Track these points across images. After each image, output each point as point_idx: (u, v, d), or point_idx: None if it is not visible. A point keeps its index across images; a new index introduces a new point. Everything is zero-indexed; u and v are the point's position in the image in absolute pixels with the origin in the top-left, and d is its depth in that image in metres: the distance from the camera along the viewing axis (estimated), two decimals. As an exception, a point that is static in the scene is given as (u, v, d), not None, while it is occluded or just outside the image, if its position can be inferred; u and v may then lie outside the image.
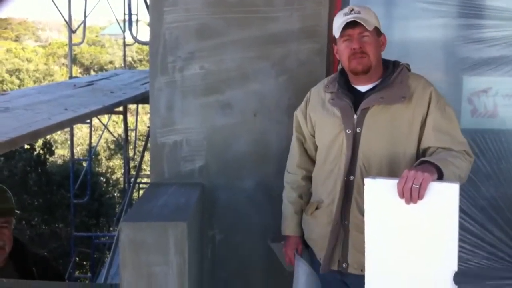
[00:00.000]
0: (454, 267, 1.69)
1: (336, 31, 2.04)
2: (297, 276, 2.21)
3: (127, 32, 7.21)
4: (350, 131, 2.01)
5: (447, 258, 1.70)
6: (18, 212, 2.37)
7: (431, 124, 1.96)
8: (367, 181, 1.77)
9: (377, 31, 2.04)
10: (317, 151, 2.19)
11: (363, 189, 1.94)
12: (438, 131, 1.95)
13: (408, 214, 1.70)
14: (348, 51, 2.00)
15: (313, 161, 2.24)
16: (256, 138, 2.65)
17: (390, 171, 1.96)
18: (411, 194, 1.67)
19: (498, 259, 2.87)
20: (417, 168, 1.72)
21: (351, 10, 2.00)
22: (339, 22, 2.02)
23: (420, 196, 1.67)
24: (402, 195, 1.68)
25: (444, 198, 1.68)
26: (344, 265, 2.05)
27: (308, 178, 2.26)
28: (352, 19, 1.97)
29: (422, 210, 1.68)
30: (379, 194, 1.75)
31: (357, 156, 2.01)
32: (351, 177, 2.02)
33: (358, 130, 2.00)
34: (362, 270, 1.98)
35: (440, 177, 1.74)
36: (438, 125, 1.96)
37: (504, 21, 2.76)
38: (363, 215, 1.96)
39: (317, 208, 2.15)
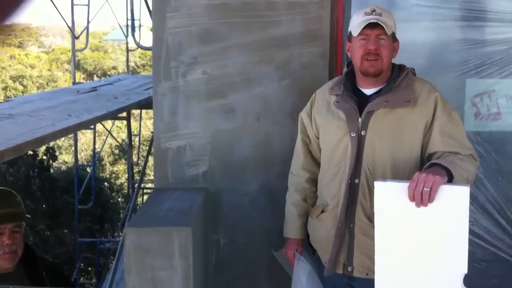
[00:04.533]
0: (464, 270, 1.69)
1: (355, 29, 2.02)
2: (298, 275, 2.20)
3: (130, 38, 7.23)
4: (354, 134, 2.01)
5: (457, 261, 1.69)
6: (29, 216, 2.38)
7: (438, 129, 1.96)
8: (377, 184, 1.76)
9: (393, 36, 2.05)
10: (321, 154, 2.19)
11: (369, 192, 1.95)
12: (445, 136, 1.95)
13: (418, 217, 1.70)
14: (363, 51, 2.00)
15: (317, 163, 2.24)
16: (259, 142, 2.65)
17: (394, 174, 1.96)
18: (422, 197, 1.67)
19: (500, 260, 2.87)
20: (427, 171, 1.72)
21: (373, 11, 2.00)
22: (359, 20, 2.01)
23: (430, 199, 1.67)
24: (412, 198, 1.68)
25: (454, 201, 1.68)
26: (349, 269, 2.05)
27: (312, 181, 2.26)
28: (375, 20, 1.96)
29: (432, 213, 1.68)
30: (389, 197, 1.75)
31: (361, 159, 2.01)
32: (356, 180, 2.02)
33: (362, 133, 2.00)
34: (368, 273, 1.98)
35: (450, 180, 1.74)
36: (445, 129, 1.96)
37: (507, 23, 2.76)
38: (368, 218, 1.97)
39: (322, 211, 2.15)
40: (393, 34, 2.04)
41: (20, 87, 19.29)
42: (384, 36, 1.99)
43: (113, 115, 4.02)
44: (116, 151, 14.07)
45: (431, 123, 1.98)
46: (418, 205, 1.69)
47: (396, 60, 2.11)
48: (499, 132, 2.85)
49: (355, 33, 2.02)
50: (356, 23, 2.02)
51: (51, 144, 9.73)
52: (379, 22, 1.96)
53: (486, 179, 2.82)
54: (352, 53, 2.08)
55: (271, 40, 2.60)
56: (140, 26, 8.47)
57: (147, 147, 7.12)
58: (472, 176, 1.92)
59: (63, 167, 11.65)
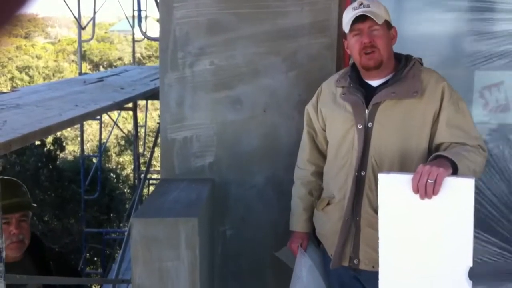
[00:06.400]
0: (469, 263, 1.68)
1: (346, 26, 2.02)
2: (300, 269, 2.20)
3: (136, 28, 7.22)
4: (361, 126, 2.00)
5: (462, 254, 1.68)
6: (35, 205, 2.39)
7: (445, 119, 1.94)
8: (381, 176, 1.76)
9: (388, 24, 2.03)
10: (328, 146, 2.18)
11: (375, 184, 1.94)
12: (452, 127, 1.93)
13: (423, 209, 1.69)
14: (359, 46, 1.99)
15: (324, 156, 2.23)
16: (266, 134, 2.65)
17: (402, 166, 1.95)
18: (426, 190, 1.65)
19: (510, 255, 2.86)
20: (432, 163, 1.71)
21: (360, 4, 1.99)
22: (348, 16, 2.01)
23: (435, 192, 1.65)
24: (416, 190, 1.67)
25: (459, 193, 1.67)
26: (355, 261, 2.05)
27: (318, 174, 2.25)
28: (362, 13, 1.95)
29: (436, 205, 1.67)
30: (393, 189, 1.74)
31: (368, 151, 2.00)
32: (363, 173, 2.01)
33: (369, 125, 1.99)
34: (374, 266, 1.98)
35: (455, 171, 1.72)
36: (451, 120, 1.94)
37: (516, 15, 2.73)
38: (374, 210, 1.96)
39: (328, 204, 2.14)
40: (387, 22, 2.02)
41: (27, 78, 19.34)
42: (377, 26, 1.97)
43: (119, 106, 4.02)
44: (122, 142, 14.10)
45: (438, 113, 1.96)
46: (422, 198, 1.68)
47: (405, 51, 2.10)
48: (507, 124, 2.83)
49: (347, 30, 2.03)
50: (346, 20, 2.03)
51: (58, 134, 9.76)
52: (367, 14, 1.95)
53: (494, 172, 2.80)
54: (350, 50, 2.08)
55: (278, 31, 2.58)
56: (146, 16, 8.45)
57: (153, 138, 7.13)
58: (479, 167, 1.89)
59: (70, 157, 11.70)
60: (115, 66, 19.00)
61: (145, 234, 2.07)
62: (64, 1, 6.59)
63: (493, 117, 2.83)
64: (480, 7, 2.76)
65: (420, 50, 2.18)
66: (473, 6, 2.77)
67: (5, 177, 2.44)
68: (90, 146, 13.10)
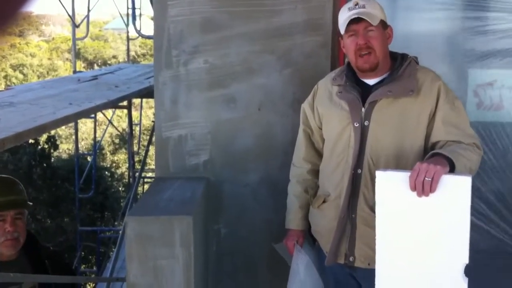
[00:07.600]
0: (465, 260, 1.69)
1: (341, 27, 2.02)
2: (297, 266, 2.21)
3: (131, 26, 7.21)
4: (357, 124, 2.00)
5: (458, 251, 1.69)
6: (31, 204, 2.38)
7: (441, 118, 1.94)
8: (379, 173, 1.76)
9: (383, 24, 2.02)
10: (324, 144, 2.18)
11: (371, 182, 1.94)
12: (448, 125, 1.94)
13: (420, 206, 1.70)
14: (354, 47, 1.98)
15: (320, 155, 2.23)
16: (260, 132, 2.65)
17: (398, 164, 1.96)
18: (423, 187, 1.66)
19: (503, 252, 2.87)
20: (429, 160, 1.71)
21: (356, 4, 1.98)
22: (343, 17, 2.00)
23: (432, 189, 1.66)
24: (414, 188, 1.68)
25: (456, 191, 1.68)
26: (351, 259, 2.05)
27: (314, 172, 2.26)
28: (357, 16, 1.95)
29: (433, 203, 1.68)
30: (390, 187, 1.74)
31: (364, 149, 2.00)
32: (359, 170, 2.01)
33: (366, 123, 1.99)
34: (369, 264, 1.98)
35: (452, 169, 1.73)
36: (447, 118, 1.94)
37: (510, 14, 2.74)
38: (370, 208, 1.97)
39: (324, 202, 2.14)
40: (383, 22, 2.01)
41: (21, 76, 19.27)
42: (372, 27, 1.97)
43: (113, 104, 4.01)
44: (117, 141, 14.09)
45: (434, 112, 1.96)
46: (419, 195, 1.68)
47: (399, 50, 2.10)
48: (501, 123, 2.84)
49: (342, 31, 2.02)
50: (341, 21, 2.02)
51: (52, 132, 9.74)
52: (362, 17, 1.94)
53: (488, 170, 2.82)
54: (345, 49, 2.08)
55: (273, 29, 2.58)
56: (140, 15, 8.43)
57: (148, 137, 7.12)
58: (475, 165, 1.91)
59: (64, 156, 11.67)
60: (110, 64, 18.96)
61: (140, 232, 2.07)
62: (58, -1, 6.56)
63: (486, 116, 2.84)
64: (474, 6, 2.76)
65: (414, 49, 2.18)
66: (467, 4, 2.78)
67: (1, 175, 2.43)
68: (84, 144, 13.08)
